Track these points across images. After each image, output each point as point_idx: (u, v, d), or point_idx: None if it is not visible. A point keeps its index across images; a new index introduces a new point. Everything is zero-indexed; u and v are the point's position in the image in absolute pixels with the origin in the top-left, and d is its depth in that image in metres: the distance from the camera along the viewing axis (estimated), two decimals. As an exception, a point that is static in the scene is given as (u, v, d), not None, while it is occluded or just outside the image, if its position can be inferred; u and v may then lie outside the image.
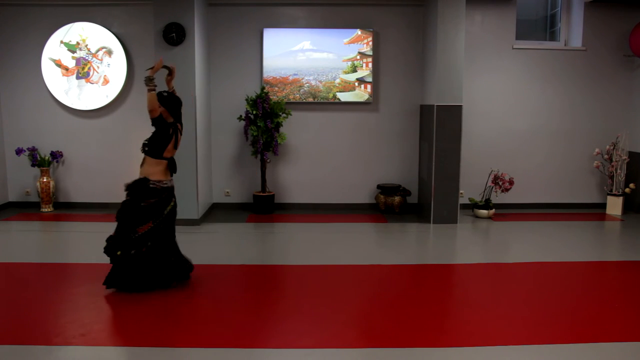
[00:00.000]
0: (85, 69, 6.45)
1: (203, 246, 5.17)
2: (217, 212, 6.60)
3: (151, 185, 3.76)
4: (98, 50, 6.42)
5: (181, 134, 3.93)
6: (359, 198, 6.79)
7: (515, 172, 6.52)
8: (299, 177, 6.73)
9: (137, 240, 3.70)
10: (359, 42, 6.45)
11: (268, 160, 6.46)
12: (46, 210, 6.54)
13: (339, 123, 6.62)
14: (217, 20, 6.45)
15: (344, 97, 6.49)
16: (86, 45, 6.41)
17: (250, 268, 4.43)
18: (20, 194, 6.75)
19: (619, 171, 6.52)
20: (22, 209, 6.62)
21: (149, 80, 3.71)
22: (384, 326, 3.27)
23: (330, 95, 6.50)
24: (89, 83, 6.46)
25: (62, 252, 5.02)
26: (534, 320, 3.33)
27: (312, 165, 6.71)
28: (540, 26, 7.12)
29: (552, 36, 7.02)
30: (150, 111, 3.74)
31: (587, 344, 3.02)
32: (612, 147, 6.54)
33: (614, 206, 6.58)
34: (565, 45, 6.81)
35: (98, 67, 6.45)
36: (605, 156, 6.63)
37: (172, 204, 3.89)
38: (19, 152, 6.39)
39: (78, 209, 6.64)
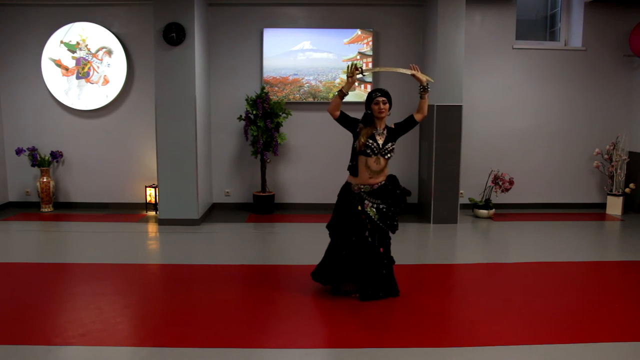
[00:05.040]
0: (85, 69, 6.45)
1: (203, 246, 5.17)
2: (217, 212, 6.60)
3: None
4: (98, 50, 6.42)
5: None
6: (359, 198, 6.77)
7: (515, 172, 6.52)
8: (299, 177, 6.73)
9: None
10: (359, 42, 6.45)
11: (268, 160, 6.47)
12: (46, 210, 6.54)
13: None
14: (217, 20, 6.45)
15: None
16: (86, 45, 6.42)
17: (250, 268, 4.43)
18: (20, 194, 6.75)
19: (619, 171, 6.52)
20: (22, 209, 6.62)
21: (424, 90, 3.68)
22: (383, 326, 3.27)
23: (330, 95, 6.50)
24: (89, 83, 6.47)
25: (62, 252, 5.02)
26: (534, 320, 3.33)
27: (312, 165, 6.71)
28: (540, 26, 7.12)
29: (552, 36, 7.02)
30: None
31: (587, 344, 3.01)
32: (612, 147, 6.54)
33: (614, 206, 6.57)
34: (565, 45, 6.81)
35: (98, 67, 6.45)
36: (605, 156, 6.63)
37: None
38: (19, 152, 6.39)
39: (78, 209, 6.64)
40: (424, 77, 3.67)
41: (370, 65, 6.44)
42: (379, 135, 3.62)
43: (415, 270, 4.42)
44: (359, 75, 3.67)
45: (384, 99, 3.59)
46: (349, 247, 3.64)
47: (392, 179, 3.73)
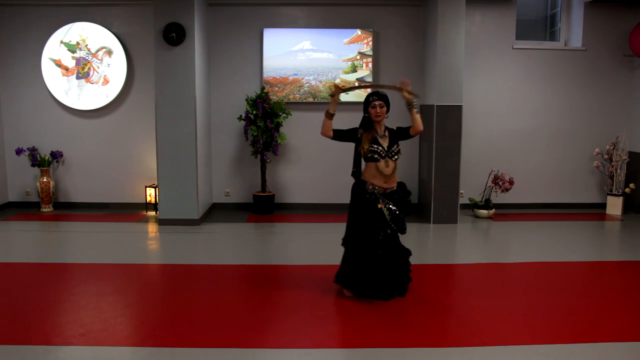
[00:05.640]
0: (85, 69, 6.45)
1: (203, 246, 5.17)
2: (217, 212, 6.60)
3: None
4: (98, 50, 6.42)
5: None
6: (359, 198, 6.76)
7: (515, 172, 6.52)
8: (299, 177, 6.73)
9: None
10: (359, 42, 6.45)
11: (268, 160, 6.47)
12: (46, 210, 6.54)
13: (339, 123, 6.54)
14: (217, 20, 6.45)
15: (344, 97, 6.45)
16: (86, 45, 6.42)
17: (250, 268, 4.43)
18: (20, 194, 6.75)
19: (619, 171, 6.52)
20: (22, 209, 6.62)
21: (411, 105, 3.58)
22: (383, 326, 3.27)
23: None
24: (89, 83, 6.47)
25: (62, 252, 5.02)
26: (534, 320, 3.33)
27: (312, 165, 6.71)
28: (540, 26, 7.12)
29: (552, 36, 7.02)
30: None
31: (587, 344, 3.01)
32: (612, 147, 6.54)
33: (614, 206, 6.57)
34: (565, 45, 6.81)
35: (98, 67, 6.45)
36: (605, 156, 6.63)
37: None
38: (19, 152, 6.39)
39: (78, 209, 6.64)
40: (409, 95, 3.56)
41: (370, 65, 6.44)
42: (381, 138, 3.62)
43: (415, 270, 4.41)
44: (343, 93, 3.68)
45: (380, 102, 3.59)
46: (379, 246, 3.60)
47: (401, 185, 3.75)
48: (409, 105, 3.59)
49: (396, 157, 3.63)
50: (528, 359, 2.85)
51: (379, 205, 3.60)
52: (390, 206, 3.62)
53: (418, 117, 3.60)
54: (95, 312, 3.41)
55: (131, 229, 5.75)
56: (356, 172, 3.71)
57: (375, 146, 3.58)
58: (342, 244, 3.79)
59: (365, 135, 3.62)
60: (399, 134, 3.69)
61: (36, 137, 6.57)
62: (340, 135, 3.70)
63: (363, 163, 3.71)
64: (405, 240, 5.49)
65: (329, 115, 3.64)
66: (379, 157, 3.58)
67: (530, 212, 6.70)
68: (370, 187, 3.63)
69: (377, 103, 3.58)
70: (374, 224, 3.60)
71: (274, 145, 6.26)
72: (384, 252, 3.63)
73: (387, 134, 3.64)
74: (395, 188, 3.67)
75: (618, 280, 4.22)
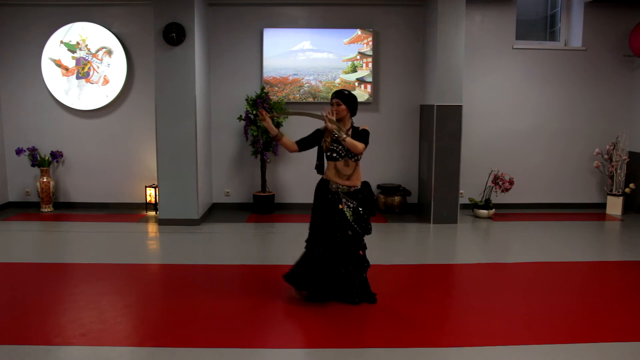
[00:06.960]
0: (85, 69, 6.45)
1: (203, 246, 5.17)
2: (217, 212, 6.60)
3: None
4: (98, 50, 6.42)
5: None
6: (359, 198, 6.76)
7: (515, 172, 6.52)
8: (299, 177, 6.73)
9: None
10: (359, 42, 6.45)
11: (268, 160, 6.47)
12: (46, 210, 6.54)
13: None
14: (217, 20, 6.45)
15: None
16: (86, 45, 6.42)
17: (250, 268, 4.43)
18: (20, 194, 6.75)
19: (619, 171, 6.52)
20: (22, 209, 6.62)
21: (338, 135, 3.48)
22: (384, 326, 3.27)
23: (330, 95, 6.49)
24: (89, 83, 6.47)
25: (62, 252, 5.02)
26: (534, 320, 3.33)
27: (312, 166, 6.65)
28: (540, 26, 7.13)
29: (552, 36, 7.02)
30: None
31: (587, 344, 3.02)
32: (612, 147, 6.54)
33: (614, 206, 6.57)
34: (565, 45, 6.81)
35: (98, 67, 6.45)
36: (605, 156, 6.63)
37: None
38: (19, 152, 6.39)
39: (78, 209, 6.64)
40: (332, 126, 3.45)
41: (370, 65, 6.44)
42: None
43: (416, 270, 4.42)
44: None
45: (336, 100, 3.57)
46: (329, 246, 3.57)
47: (366, 185, 3.69)
48: (335, 136, 3.51)
49: (356, 157, 3.57)
50: (528, 359, 2.85)
51: (340, 206, 3.55)
52: (356, 207, 3.58)
53: (350, 141, 3.46)
54: (95, 312, 3.41)
55: (131, 229, 5.75)
56: (319, 165, 3.68)
57: (335, 145, 3.53)
58: (305, 246, 3.72)
59: (328, 131, 3.53)
60: (356, 136, 3.57)
61: (36, 137, 6.57)
62: (305, 144, 3.65)
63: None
64: (406, 240, 5.53)
65: (279, 139, 3.58)
66: (338, 157, 3.55)
67: (530, 212, 6.70)
68: (334, 186, 3.59)
69: (333, 101, 3.58)
70: (334, 225, 3.56)
71: (274, 145, 6.26)
72: (339, 254, 3.58)
73: (350, 133, 3.57)
74: (359, 187, 3.63)
75: (618, 280, 4.23)
